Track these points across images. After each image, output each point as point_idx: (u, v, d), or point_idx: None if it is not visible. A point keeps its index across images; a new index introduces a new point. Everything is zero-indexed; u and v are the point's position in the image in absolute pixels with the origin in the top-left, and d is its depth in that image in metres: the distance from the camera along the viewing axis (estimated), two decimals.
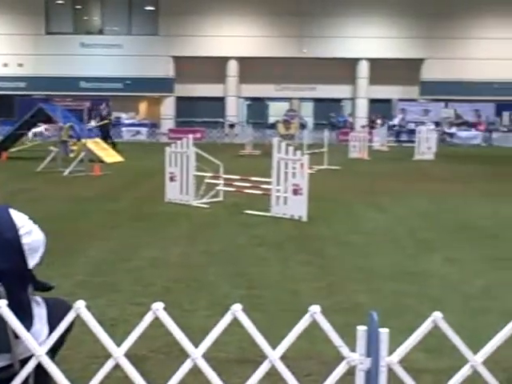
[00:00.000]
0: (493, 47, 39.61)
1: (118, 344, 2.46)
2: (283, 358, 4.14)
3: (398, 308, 5.21)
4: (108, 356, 2.46)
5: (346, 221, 9.61)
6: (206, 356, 2.64)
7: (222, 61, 40.50)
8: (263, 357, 2.59)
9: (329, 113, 41.29)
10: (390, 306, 5.26)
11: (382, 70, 39.72)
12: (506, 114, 38.88)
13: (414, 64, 40.61)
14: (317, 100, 42.40)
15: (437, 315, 2.53)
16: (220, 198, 11.34)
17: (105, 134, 24.49)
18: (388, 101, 40.71)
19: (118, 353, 2.43)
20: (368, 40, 39.93)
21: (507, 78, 39.11)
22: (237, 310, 2.48)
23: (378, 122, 35.78)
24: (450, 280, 6.13)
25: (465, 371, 2.59)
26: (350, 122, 40.02)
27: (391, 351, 2.58)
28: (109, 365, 2.45)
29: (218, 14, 39.84)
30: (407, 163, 22.28)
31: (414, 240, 8.15)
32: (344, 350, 2.52)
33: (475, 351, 2.69)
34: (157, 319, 2.50)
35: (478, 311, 5.14)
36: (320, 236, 8.34)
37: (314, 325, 2.59)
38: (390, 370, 2.60)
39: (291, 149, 9.74)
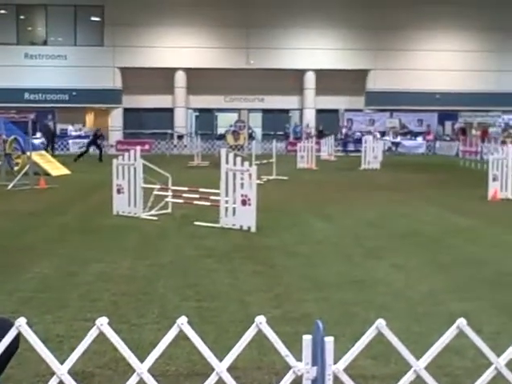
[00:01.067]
0: (435, 59, 40.74)
1: (64, 361, 2.44)
2: (232, 368, 4.14)
3: (345, 316, 5.29)
4: (53, 373, 2.43)
5: (294, 231, 9.69)
6: (154, 370, 2.63)
7: (170, 72, 40.35)
8: (212, 369, 2.60)
9: (276, 123, 41.60)
10: (338, 314, 5.33)
11: (329, 80, 40.28)
12: (448, 124, 39.94)
13: (360, 75, 41.36)
14: (265, 111, 42.68)
15: (380, 322, 2.58)
16: (168, 210, 11.29)
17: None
18: (335, 111, 41.32)
19: (62, 370, 2.40)
20: (314, 51, 40.48)
21: (449, 88, 40.25)
22: (182, 322, 2.48)
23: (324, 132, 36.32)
24: (396, 286, 6.25)
25: (408, 376, 2.65)
26: (308, 132, 40.26)
27: (340, 359, 2.63)
28: (53, 383, 2.42)
29: (165, 25, 39.72)
30: (354, 172, 22.64)
31: (360, 248, 8.28)
32: (290, 359, 2.55)
33: (421, 356, 2.75)
34: (103, 334, 2.48)
35: (422, 316, 5.26)
36: (269, 246, 8.39)
37: (264, 335, 2.61)
38: (338, 378, 2.64)
39: (239, 160, 9.78)
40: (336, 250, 8.20)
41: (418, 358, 2.73)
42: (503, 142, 23.97)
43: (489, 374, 2.67)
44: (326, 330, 4.87)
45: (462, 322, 2.63)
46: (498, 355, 2.76)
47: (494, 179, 13.86)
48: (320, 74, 40.81)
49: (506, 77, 40.58)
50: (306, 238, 9.02)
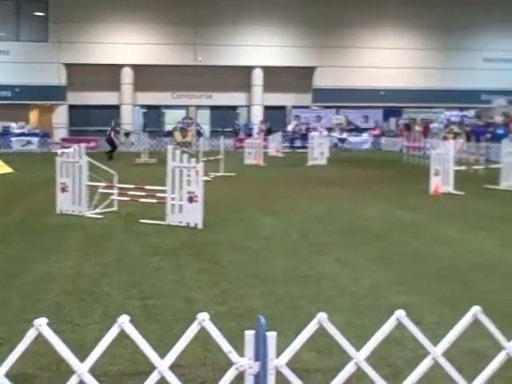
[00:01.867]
0: (380, 56, 41.43)
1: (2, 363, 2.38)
2: (177, 366, 4.13)
3: (291, 311, 5.33)
4: None
5: (241, 227, 9.71)
6: (97, 370, 2.59)
7: (116, 68, 39.80)
8: (155, 367, 2.58)
9: (224, 120, 41.57)
10: (284, 309, 5.37)
11: (276, 77, 40.47)
12: (392, 120, 40.67)
13: (307, 72, 41.70)
14: (213, 107, 42.59)
15: (321, 316, 2.61)
16: (114, 208, 11.14)
17: None
18: (282, 108, 41.55)
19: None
20: (262, 48, 40.61)
21: (393, 85, 40.98)
22: (123, 321, 2.46)
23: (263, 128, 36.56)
24: (341, 281, 6.34)
25: (349, 368, 2.69)
26: (262, 128, 40.13)
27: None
28: None
29: (111, 21, 39.15)
30: (301, 168, 22.83)
31: (307, 244, 8.36)
32: (233, 355, 2.56)
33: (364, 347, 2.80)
34: (43, 335, 2.43)
35: (366, 309, 5.35)
36: (216, 243, 8.38)
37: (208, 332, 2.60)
38: (280, 373, 2.66)
39: (186, 156, 9.73)
40: (283, 245, 8.25)
41: (360, 350, 2.77)
42: (445, 138, 24.54)
43: (426, 363, 2.74)
44: (272, 325, 4.89)
45: (400, 313, 2.69)
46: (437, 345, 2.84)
47: (436, 174, 14.20)
48: (268, 70, 40.96)
49: (449, 74, 41.58)
50: (253, 234, 9.05)
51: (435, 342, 2.88)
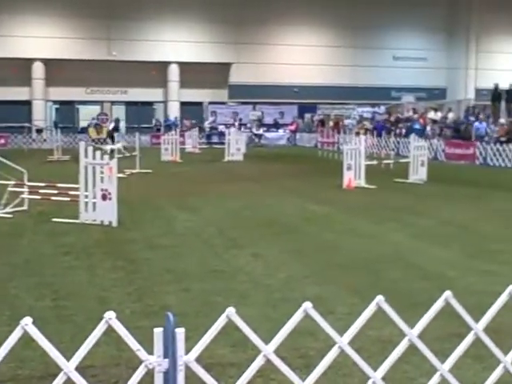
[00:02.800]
0: (295, 53, 42.04)
1: None
2: (89, 367, 4.07)
3: (206, 306, 5.34)
4: None
5: (157, 224, 9.62)
6: (4, 375, 2.51)
7: (27, 63, 38.48)
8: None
9: (141, 116, 41.01)
10: (199, 305, 5.38)
11: (193, 73, 40.32)
12: (307, 116, 41.39)
13: (223, 68, 41.77)
14: (129, 103, 41.93)
15: (230, 310, 2.64)
16: (24, 207, 10.76)
17: None
18: (199, 104, 41.44)
19: None
20: (178, 44, 40.33)
21: (308, 82, 41.69)
22: (27, 323, 2.39)
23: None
24: (255, 275, 6.41)
25: (258, 361, 2.73)
26: (188, 124, 39.54)
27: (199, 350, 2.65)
28: None
29: (21, 14, 37.75)
30: (218, 164, 22.86)
31: (222, 239, 8.39)
32: (141, 353, 2.54)
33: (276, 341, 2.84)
34: None
35: (279, 302, 5.43)
36: (131, 240, 8.27)
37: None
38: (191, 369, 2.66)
39: (98, 153, 9.54)
40: (198, 241, 8.25)
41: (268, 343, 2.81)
42: (357, 134, 25.21)
43: (333, 352, 2.81)
44: (186, 322, 4.90)
45: (307, 305, 2.75)
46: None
47: (349, 168, 14.58)
48: (184, 66, 40.74)
49: (361, 72, 42.75)
50: (168, 231, 9.00)
51: (346, 332, 2.96)
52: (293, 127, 39.77)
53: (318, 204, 11.90)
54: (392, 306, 4.80)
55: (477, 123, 24.57)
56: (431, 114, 29.49)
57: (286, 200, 12.50)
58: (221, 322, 2.68)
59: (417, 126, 26.55)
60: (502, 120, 24.39)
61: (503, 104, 26.47)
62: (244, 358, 4.23)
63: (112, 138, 29.87)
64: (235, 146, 25.25)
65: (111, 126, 31.64)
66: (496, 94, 26.86)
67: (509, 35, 35.48)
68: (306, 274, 6.48)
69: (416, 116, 29.50)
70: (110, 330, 2.55)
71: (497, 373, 3.07)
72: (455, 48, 44.20)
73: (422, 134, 26.47)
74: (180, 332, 2.54)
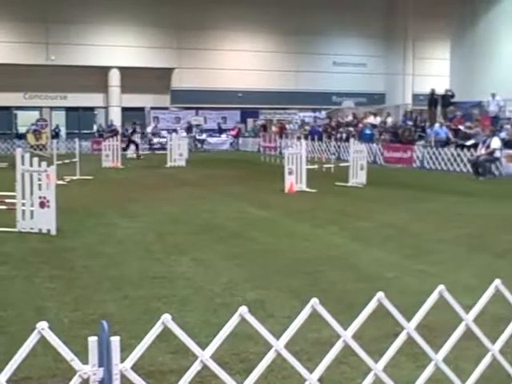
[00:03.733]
0: (238, 58, 42.19)
1: None
2: (25, 379, 3.99)
3: (146, 313, 5.30)
4: None
5: (97, 231, 9.48)
6: None
7: None
8: None
9: (81, 121, 40.35)
10: (139, 312, 5.33)
11: (134, 78, 39.94)
12: (249, 121, 41.58)
13: (165, 73, 41.53)
14: (69, 109, 41.19)
15: (166, 317, 2.64)
16: None
17: None
18: (141, 109, 41.07)
19: None
20: (118, 49, 39.88)
21: (250, 87, 41.90)
22: None
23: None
24: (196, 280, 6.41)
25: (195, 367, 2.74)
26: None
27: (142, 357, 2.63)
28: None
29: None
30: (160, 170, 22.70)
31: (163, 245, 8.35)
32: (75, 363, 2.51)
33: (219, 345, 2.84)
34: None
35: (220, 307, 5.44)
36: (70, 249, 8.13)
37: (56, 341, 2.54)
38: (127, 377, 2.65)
39: (36, 160, 9.34)
40: (139, 247, 8.18)
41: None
42: (299, 138, 25.49)
43: (270, 356, 2.85)
44: (126, 329, 4.86)
45: (243, 310, 2.78)
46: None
47: (290, 173, 14.72)
48: (125, 71, 40.31)
49: (303, 77, 43.26)
50: (109, 238, 8.88)
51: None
52: (234, 132, 39.87)
53: (259, 208, 11.97)
54: (331, 307, 4.89)
55: (437, 127, 24.07)
56: (371, 119, 30.08)
57: (228, 205, 12.52)
58: (156, 329, 2.68)
59: (368, 132, 26.94)
60: (438, 124, 25.09)
61: (439, 108, 27.26)
62: (184, 365, 4.22)
63: (133, 142, 29.54)
64: (177, 151, 25.13)
65: (130, 130, 30.88)
66: (432, 99, 27.63)
67: (443, 42, 36.51)
68: (248, 278, 6.52)
69: (368, 120, 29.95)
70: (47, 341, 2.52)
71: (429, 370, 3.17)
72: (393, 54, 45.27)
73: (372, 138, 26.96)
74: (115, 340, 2.53)
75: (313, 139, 26.62)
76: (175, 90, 42.11)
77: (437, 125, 24.07)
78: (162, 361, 4.32)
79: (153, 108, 41.31)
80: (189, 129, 39.25)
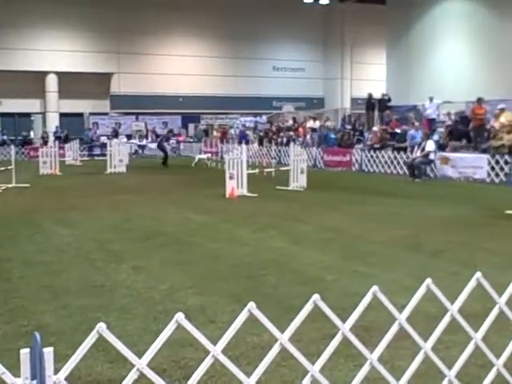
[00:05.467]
0: (178, 63, 42.02)
1: None
2: None
3: (85, 323, 5.22)
4: None
5: (35, 240, 9.26)
6: None
7: None
8: None
9: (17, 128, 39.37)
10: (78, 322, 5.24)
11: (72, 83, 39.26)
12: (191, 126, 41.45)
13: (104, 78, 40.96)
14: (4, 115, 40.11)
15: (100, 326, 2.61)
16: None
17: None
18: (80, 115, 40.38)
19: None
20: (56, 53, 39.13)
21: (191, 92, 41.78)
22: None
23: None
24: (137, 288, 6.34)
25: (131, 375, 2.72)
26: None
27: (80, 368, 2.59)
28: None
29: None
30: (100, 177, 22.36)
31: (103, 253, 8.23)
32: (7, 376, 2.46)
33: (158, 353, 2.82)
34: None
35: (161, 315, 5.40)
36: (6, 259, 7.91)
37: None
38: None
39: None
40: (78, 256, 8.04)
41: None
42: (240, 143, 25.57)
43: (207, 361, 2.85)
44: (64, 339, 4.77)
45: (179, 316, 2.78)
46: (229, 343, 2.96)
47: (231, 177, 14.75)
48: (63, 76, 39.59)
49: (243, 82, 43.44)
50: (46, 247, 8.68)
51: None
52: (182, 138, 39.64)
53: (201, 214, 11.95)
54: (272, 311, 4.95)
55: (412, 131, 22.80)
56: (310, 123, 30.45)
57: (169, 211, 12.44)
58: (91, 338, 2.65)
59: (332, 136, 27.06)
60: (375, 128, 25.62)
61: (376, 112, 27.84)
62: (123, 374, 4.18)
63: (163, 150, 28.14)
64: (118, 157, 24.82)
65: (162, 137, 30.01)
66: (370, 103, 28.20)
67: (380, 47, 37.36)
68: (189, 284, 6.49)
69: (308, 125, 30.17)
70: None
71: (364, 370, 3.23)
72: (331, 59, 46.00)
73: (335, 142, 27.14)
74: (48, 352, 2.49)
75: (240, 143, 26.72)
76: (115, 95, 41.60)
77: (412, 130, 22.85)
78: (100, 371, 4.27)
79: (92, 113, 40.68)
80: (129, 136, 38.82)
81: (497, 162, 18.65)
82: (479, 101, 21.90)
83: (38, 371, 2.49)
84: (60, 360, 2.40)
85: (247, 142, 28.82)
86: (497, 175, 18.58)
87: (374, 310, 3.49)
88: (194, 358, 4.45)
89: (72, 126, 38.88)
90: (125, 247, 8.59)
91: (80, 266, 7.41)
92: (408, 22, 31.14)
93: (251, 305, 2.95)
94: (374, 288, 3.16)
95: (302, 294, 5.87)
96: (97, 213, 12.20)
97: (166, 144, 29.01)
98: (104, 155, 27.19)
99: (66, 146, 31.11)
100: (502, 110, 21.17)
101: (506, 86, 24.86)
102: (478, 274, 3.47)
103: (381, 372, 3.24)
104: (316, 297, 3.09)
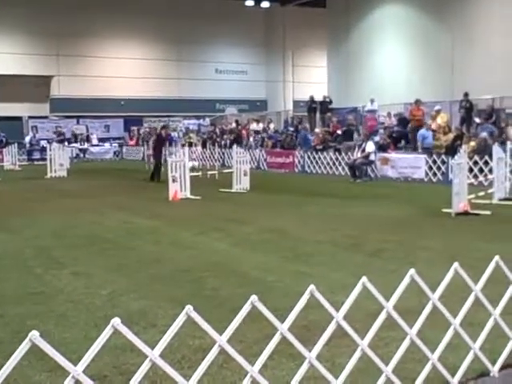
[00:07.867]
0: (120, 66, 41.51)
1: None
2: None
3: (23, 331, 5.07)
4: None
5: None
6: None
7: None
8: None
9: None
10: (15, 330, 5.13)
11: (10, 86, 38.30)
12: (133, 129, 41.00)
13: (43, 81, 40.12)
14: None
15: (34, 334, 2.58)
16: None
17: None
18: (19, 118, 39.39)
19: None
20: None
21: (134, 95, 41.36)
22: None
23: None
24: (76, 294, 6.24)
25: (67, 382, 2.69)
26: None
27: (17, 378, 2.53)
28: None
29: None
30: (40, 181, 21.87)
31: (42, 259, 8.05)
32: None
33: (99, 359, 2.79)
34: None
35: (102, 320, 5.32)
36: None
37: None
38: None
39: None
40: (17, 263, 7.85)
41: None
42: (183, 145, 25.45)
43: (145, 366, 2.84)
44: (1, 349, 4.65)
45: (116, 321, 2.76)
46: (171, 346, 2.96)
47: (174, 180, 14.67)
48: (0, 79, 38.55)
49: (186, 85, 43.28)
50: None
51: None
52: (133, 142, 39.02)
53: (143, 218, 11.84)
54: (214, 313, 4.95)
55: (423, 131, 21.08)
56: (253, 126, 30.60)
57: (111, 215, 12.28)
58: (23, 347, 2.61)
59: (309, 137, 26.87)
60: (317, 129, 25.93)
61: (318, 115, 28.20)
62: (61, 383, 4.12)
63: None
64: (58, 161, 24.31)
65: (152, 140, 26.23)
66: (311, 106, 28.54)
67: (320, 50, 37.88)
68: (130, 289, 6.43)
69: (251, 127, 30.20)
70: None
71: (303, 368, 3.28)
72: (273, 62, 46.33)
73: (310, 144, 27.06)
74: None
75: (170, 145, 26.50)
76: (55, 98, 40.78)
77: (423, 129, 21.15)
78: (39, 380, 4.19)
79: (31, 117, 39.74)
80: (70, 139, 38.06)
81: (434, 162, 19.15)
82: (417, 102, 22.48)
83: None
84: None
85: (171, 144, 27.87)
86: (434, 175, 19.08)
87: (316, 308, 3.55)
88: (135, 364, 4.40)
89: (10, 130, 37.83)
90: (65, 253, 8.43)
91: (18, 274, 7.24)
92: (348, 25, 31.66)
93: (189, 307, 2.95)
94: (311, 287, 3.21)
95: (245, 296, 5.87)
96: (36, 218, 11.92)
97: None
98: (44, 159, 26.60)
99: (4, 150, 30.30)
100: (438, 112, 21.78)
101: (442, 88, 25.60)
102: (412, 271, 3.57)
103: (319, 369, 3.29)
104: (254, 298, 3.12)
